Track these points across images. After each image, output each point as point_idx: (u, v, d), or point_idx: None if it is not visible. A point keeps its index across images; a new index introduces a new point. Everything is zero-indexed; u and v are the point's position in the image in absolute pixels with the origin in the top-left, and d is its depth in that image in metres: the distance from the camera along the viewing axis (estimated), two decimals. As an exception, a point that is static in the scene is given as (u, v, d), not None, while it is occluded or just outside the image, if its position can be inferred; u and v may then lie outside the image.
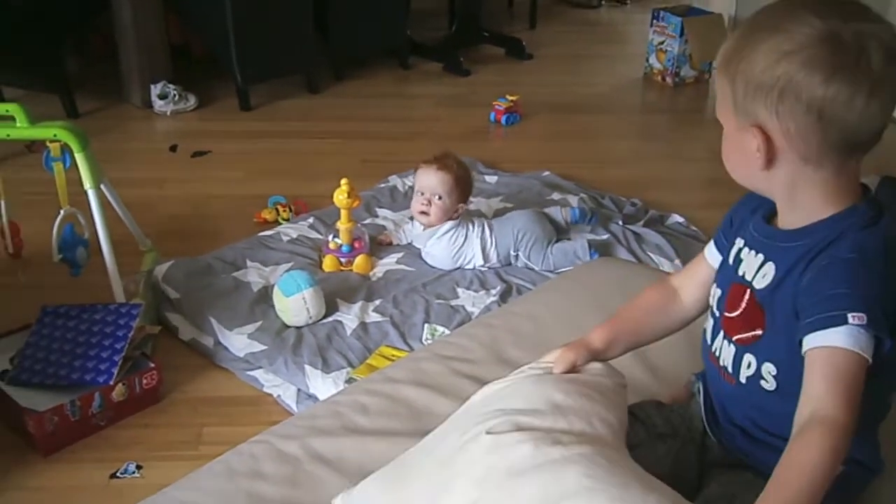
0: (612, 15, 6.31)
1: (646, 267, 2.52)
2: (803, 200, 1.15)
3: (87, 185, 2.33)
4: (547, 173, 3.41)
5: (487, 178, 3.37)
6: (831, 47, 1.05)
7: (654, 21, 4.79)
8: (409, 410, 1.50)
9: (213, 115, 4.12)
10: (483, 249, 2.70)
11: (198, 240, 2.91)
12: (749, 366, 1.20)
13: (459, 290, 2.58)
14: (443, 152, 2.77)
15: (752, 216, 1.26)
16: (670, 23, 4.70)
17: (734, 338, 1.22)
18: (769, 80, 1.08)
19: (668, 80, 4.77)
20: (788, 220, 1.18)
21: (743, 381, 1.21)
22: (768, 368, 1.17)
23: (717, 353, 1.27)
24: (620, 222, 2.96)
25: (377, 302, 2.51)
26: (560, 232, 2.80)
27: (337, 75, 4.61)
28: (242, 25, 3.98)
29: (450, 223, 2.70)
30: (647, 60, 4.90)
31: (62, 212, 2.34)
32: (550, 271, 2.65)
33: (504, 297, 2.55)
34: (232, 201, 3.25)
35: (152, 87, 4.04)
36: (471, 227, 2.72)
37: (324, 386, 2.16)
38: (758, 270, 1.20)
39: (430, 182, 2.69)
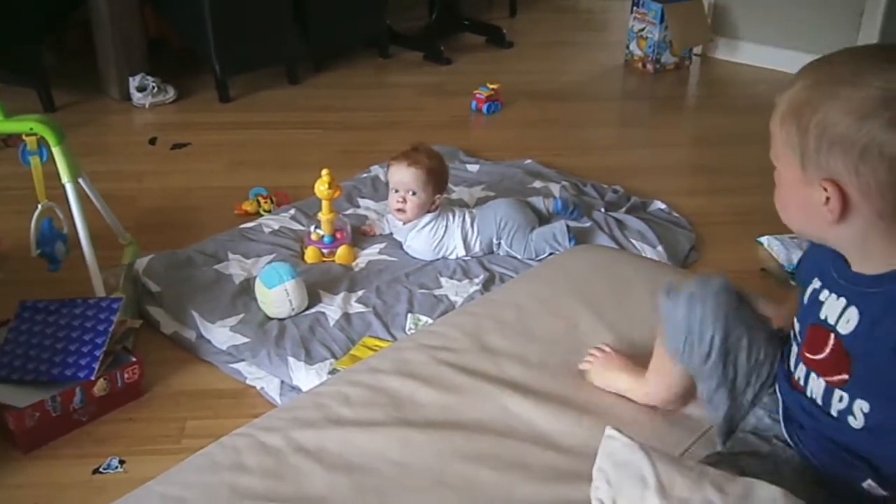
0: (592, 2, 6.31)
1: (627, 253, 2.53)
2: (875, 250, 1.13)
3: (65, 178, 2.31)
4: (529, 161, 3.40)
5: (469, 166, 3.36)
6: None
7: (635, 8, 4.79)
8: (393, 400, 1.49)
9: (192, 107, 4.10)
10: (464, 240, 2.69)
11: (178, 232, 2.89)
12: (841, 400, 1.18)
13: (442, 280, 2.58)
14: (413, 145, 2.74)
15: (829, 258, 1.21)
16: (651, 9, 4.70)
17: (824, 377, 1.21)
18: (852, 136, 1.06)
19: (649, 66, 4.77)
20: (862, 266, 1.16)
21: (835, 414, 1.20)
22: (860, 405, 1.15)
23: (801, 383, 1.25)
24: (603, 209, 2.96)
25: (360, 292, 2.50)
26: (542, 220, 2.79)
27: (316, 66, 4.59)
28: (220, 17, 3.96)
29: (429, 216, 2.69)
30: (628, 47, 4.90)
31: (40, 206, 2.32)
32: (532, 259, 2.65)
33: (487, 285, 2.54)
34: (212, 193, 3.23)
35: (130, 79, 4.02)
36: (451, 217, 2.72)
37: (307, 378, 2.15)
38: (841, 315, 1.17)
39: (402, 178, 2.66)
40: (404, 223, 2.73)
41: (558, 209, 2.84)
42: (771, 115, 1.16)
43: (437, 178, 2.68)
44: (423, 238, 2.69)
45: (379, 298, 2.47)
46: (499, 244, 2.71)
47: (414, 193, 2.66)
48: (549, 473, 1.33)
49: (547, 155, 3.49)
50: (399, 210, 2.70)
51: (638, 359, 1.53)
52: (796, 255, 2.82)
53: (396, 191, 2.69)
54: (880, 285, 1.13)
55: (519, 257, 2.67)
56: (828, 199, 1.10)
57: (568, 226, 2.67)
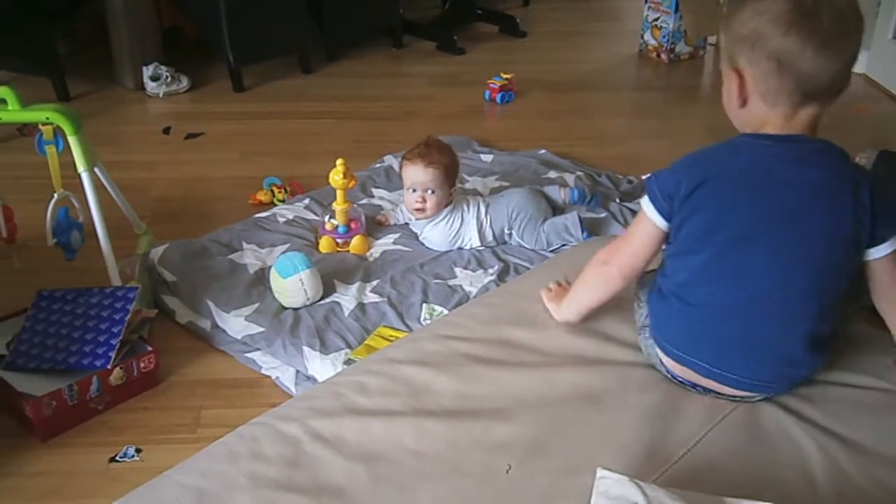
0: (606, -9, 6.29)
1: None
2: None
3: (81, 167, 2.32)
4: (543, 151, 3.39)
5: (483, 156, 3.35)
6: (793, 6, 1.32)
7: (649, -3, 4.77)
8: (410, 390, 1.49)
9: (206, 96, 4.10)
10: (480, 230, 2.69)
11: (193, 222, 2.89)
12: None
13: (457, 270, 2.57)
14: (424, 141, 2.72)
15: None
16: (665, -1, 4.68)
17: None
18: (748, 33, 1.36)
19: (664, 56, 4.75)
20: None
21: None
22: None
23: None
24: (618, 200, 2.95)
25: (374, 282, 2.50)
26: (556, 211, 2.78)
27: (330, 55, 4.58)
28: (234, 6, 3.96)
29: (445, 210, 2.69)
30: (642, 37, 4.88)
31: (56, 195, 2.32)
32: (544, 250, 2.64)
33: (502, 276, 2.54)
34: (226, 183, 3.23)
35: (144, 69, 4.02)
36: (466, 208, 2.71)
37: (322, 367, 2.15)
38: None
39: (419, 178, 2.65)
40: (433, 212, 2.72)
41: (575, 200, 2.83)
42: None
43: (451, 174, 2.68)
44: (439, 231, 2.69)
45: (394, 288, 2.47)
46: (510, 234, 2.70)
47: (433, 192, 2.65)
48: (566, 463, 1.33)
49: (561, 145, 3.48)
50: (418, 210, 2.68)
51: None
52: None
53: (414, 190, 2.67)
54: None
55: (529, 247, 2.67)
56: (736, 86, 1.40)
57: (580, 217, 2.66)
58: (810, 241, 1.38)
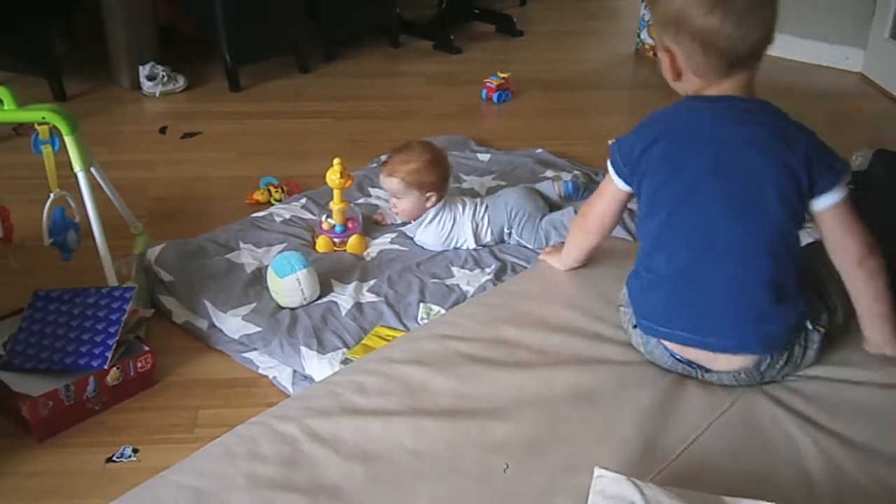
0: (602, -9, 6.29)
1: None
2: None
3: (77, 167, 2.31)
4: (540, 150, 3.39)
5: (480, 155, 3.35)
6: None
7: (646, -4, 4.77)
8: (407, 389, 1.49)
9: (202, 96, 4.10)
10: (475, 231, 2.68)
11: (189, 222, 2.89)
12: None
13: (454, 269, 2.57)
14: (397, 147, 2.74)
15: None
16: (662, -2, 4.67)
17: None
18: (673, 15, 1.46)
19: (660, 55, 4.75)
20: None
21: None
22: None
23: None
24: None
25: (372, 282, 2.50)
26: (553, 208, 2.78)
27: (327, 55, 4.58)
28: (231, 5, 3.95)
29: (433, 210, 2.69)
30: (639, 36, 4.88)
31: (52, 195, 2.32)
32: (543, 247, 2.64)
33: (499, 275, 2.54)
34: (223, 182, 3.23)
35: (141, 68, 4.01)
36: (460, 208, 2.71)
37: (319, 367, 2.15)
38: None
39: (385, 185, 2.73)
40: (406, 221, 2.76)
41: (569, 191, 2.84)
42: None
43: (420, 182, 2.66)
44: (431, 232, 2.68)
45: (391, 288, 2.47)
46: (510, 234, 2.70)
47: (399, 198, 2.70)
48: (563, 462, 1.33)
49: (558, 144, 3.48)
50: (395, 213, 2.76)
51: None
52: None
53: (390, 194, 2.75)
54: None
55: (529, 247, 2.67)
56: (669, 64, 1.52)
57: (576, 212, 2.66)
58: (755, 193, 1.46)
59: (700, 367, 1.54)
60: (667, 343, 1.56)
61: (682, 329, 1.53)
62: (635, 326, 1.61)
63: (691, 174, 1.49)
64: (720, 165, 1.47)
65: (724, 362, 1.52)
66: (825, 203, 1.48)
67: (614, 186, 1.63)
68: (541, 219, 2.68)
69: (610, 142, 1.66)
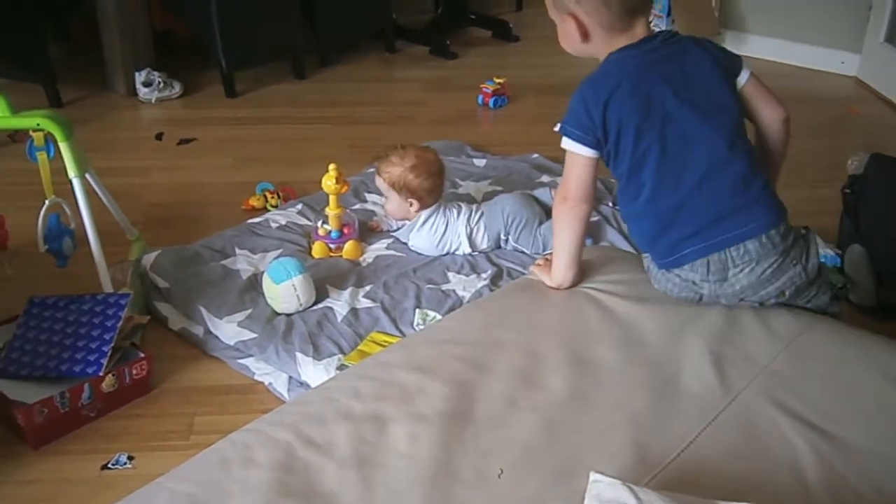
0: (598, -4, 6.29)
1: (635, 255, 2.52)
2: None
3: (72, 174, 2.31)
4: (536, 156, 3.39)
5: (476, 161, 3.35)
6: None
7: (641, 1, 4.78)
8: (402, 394, 1.49)
9: (198, 102, 4.09)
10: (469, 237, 2.68)
11: (185, 228, 2.89)
12: None
13: (450, 275, 2.57)
14: (393, 146, 2.75)
15: None
16: (657, 2, 4.69)
17: None
18: None
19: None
20: None
21: None
22: None
23: None
24: (610, 204, 2.95)
25: (367, 288, 2.50)
26: (549, 214, 2.78)
27: (323, 60, 4.58)
28: (227, 11, 3.95)
29: (425, 213, 2.69)
30: (635, 41, 4.88)
31: (47, 202, 2.32)
32: (540, 253, 2.64)
33: (495, 280, 2.54)
34: (219, 189, 3.22)
35: (136, 74, 4.01)
36: (454, 212, 2.71)
37: (315, 373, 2.15)
38: None
39: (376, 182, 2.78)
40: (399, 226, 2.79)
41: None
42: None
43: (401, 186, 2.67)
44: (424, 236, 2.68)
45: (387, 294, 2.46)
46: (506, 240, 2.70)
47: (385, 197, 2.75)
48: (558, 467, 1.32)
49: (554, 149, 3.43)
50: (386, 210, 2.81)
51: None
52: (805, 249, 2.81)
53: None
54: None
55: (527, 252, 2.67)
56: (576, 29, 1.70)
57: None
58: (711, 95, 1.72)
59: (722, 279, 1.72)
60: (690, 275, 1.73)
61: (703, 241, 1.71)
62: (668, 268, 1.77)
63: (661, 106, 1.69)
64: (677, 89, 1.70)
65: (741, 260, 1.70)
66: (744, 78, 1.78)
67: (584, 157, 1.75)
68: (538, 224, 2.68)
69: (556, 127, 1.77)
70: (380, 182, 2.73)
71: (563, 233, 1.82)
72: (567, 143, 1.75)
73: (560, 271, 1.83)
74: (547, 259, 1.93)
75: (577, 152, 1.74)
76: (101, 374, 2.07)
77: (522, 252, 2.68)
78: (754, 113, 1.82)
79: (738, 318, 1.72)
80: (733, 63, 1.78)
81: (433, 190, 2.71)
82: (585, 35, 1.71)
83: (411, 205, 2.68)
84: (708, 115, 1.71)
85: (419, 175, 2.66)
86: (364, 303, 2.43)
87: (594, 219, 2.83)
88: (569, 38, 1.74)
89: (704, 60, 1.74)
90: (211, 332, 2.36)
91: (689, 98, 1.70)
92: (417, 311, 2.39)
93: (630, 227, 1.91)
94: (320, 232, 2.70)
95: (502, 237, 2.70)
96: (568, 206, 1.80)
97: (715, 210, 1.71)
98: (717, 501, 1.15)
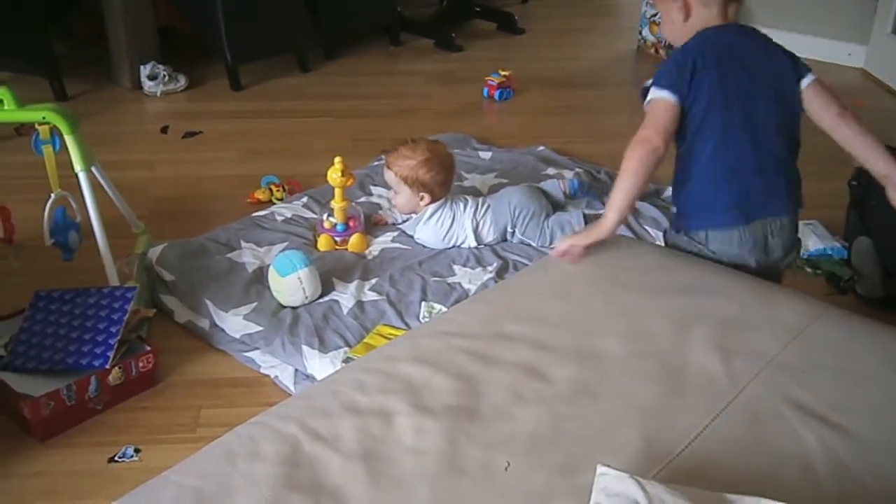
0: (603, -12, 6.28)
1: (641, 242, 2.51)
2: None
3: (78, 167, 2.31)
4: (541, 148, 3.39)
5: (482, 153, 3.35)
6: None
7: (647, -7, 4.77)
8: (408, 387, 1.48)
9: (203, 95, 4.09)
10: (475, 230, 2.68)
11: (191, 221, 2.89)
12: None
13: (456, 268, 2.57)
14: (403, 140, 2.75)
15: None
16: (663, -6, 4.67)
17: None
18: None
19: (662, 52, 4.75)
20: None
21: None
22: None
23: None
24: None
25: (373, 281, 2.49)
26: (556, 206, 2.78)
27: (327, 53, 4.58)
28: (231, 4, 3.95)
29: (432, 207, 2.69)
30: (640, 33, 4.87)
31: (53, 195, 2.32)
32: (546, 246, 2.64)
33: (501, 273, 2.53)
34: (224, 182, 3.23)
35: (141, 68, 4.01)
36: (461, 206, 2.70)
37: (321, 366, 2.15)
38: None
39: (385, 176, 2.77)
40: (405, 218, 2.78)
41: (574, 189, 2.84)
42: None
43: (412, 180, 2.67)
44: (430, 229, 2.68)
45: (392, 286, 2.46)
46: (513, 232, 2.70)
47: (394, 192, 2.74)
48: (565, 460, 1.32)
49: (559, 142, 3.47)
50: (393, 204, 2.80)
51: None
52: (811, 242, 2.80)
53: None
54: None
55: (533, 244, 2.66)
56: (681, 8, 1.94)
57: (585, 214, 2.66)
58: (778, 86, 1.94)
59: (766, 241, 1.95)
60: (738, 236, 1.93)
61: (755, 211, 1.93)
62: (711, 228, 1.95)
63: (737, 82, 1.91)
64: (753, 72, 1.92)
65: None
66: (807, 82, 1.95)
67: (668, 102, 1.89)
68: (545, 217, 2.68)
69: (647, 82, 1.95)
70: (390, 176, 2.72)
71: (631, 172, 1.88)
72: (655, 93, 1.91)
73: (616, 215, 1.90)
74: (574, 234, 2.16)
75: (664, 97, 1.89)
76: (107, 366, 2.07)
77: (528, 245, 2.68)
78: (816, 114, 1.96)
79: (746, 308, 1.71)
80: (800, 66, 1.97)
81: (444, 183, 2.71)
82: (688, 14, 1.95)
83: (422, 198, 2.68)
84: (772, 101, 1.93)
85: (431, 169, 2.66)
86: (370, 296, 2.43)
87: (600, 211, 2.82)
88: (672, 21, 1.98)
89: (778, 55, 1.96)
90: (217, 325, 2.36)
91: (762, 83, 1.93)
92: (423, 303, 2.39)
93: (681, 190, 2.02)
94: (326, 225, 2.70)
95: (509, 230, 2.70)
96: (646, 146, 1.87)
97: (761, 185, 1.93)
98: (724, 494, 1.14)
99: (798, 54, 1.99)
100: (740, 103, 1.92)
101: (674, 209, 2.07)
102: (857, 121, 1.95)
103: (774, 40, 1.99)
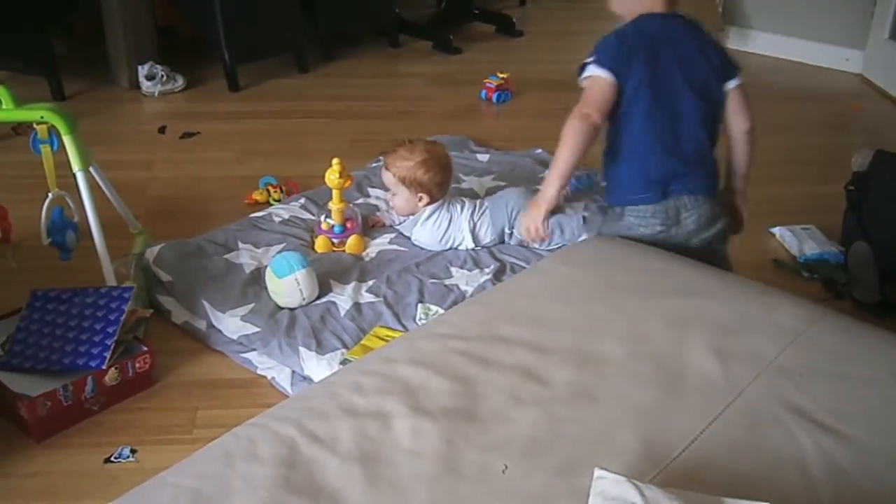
0: (602, -9, 6.28)
1: (639, 245, 2.51)
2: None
3: (76, 167, 2.31)
4: (539, 151, 3.39)
5: (479, 156, 3.35)
6: None
7: (645, -4, 4.78)
8: (406, 389, 1.48)
9: (201, 95, 4.09)
10: (473, 231, 2.68)
11: (188, 222, 2.89)
12: None
13: (453, 270, 2.57)
14: (400, 142, 2.75)
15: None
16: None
17: None
18: None
19: (660, 55, 4.75)
20: None
21: None
22: None
23: None
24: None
25: (370, 282, 2.49)
26: (554, 208, 2.77)
27: (326, 55, 4.58)
28: (229, 4, 3.95)
29: (429, 209, 2.69)
30: (638, 36, 4.87)
31: (51, 195, 2.31)
32: (545, 248, 2.64)
33: (498, 275, 2.53)
34: (222, 182, 3.22)
35: (139, 68, 4.01)
36: (457, 208, 2.70)
37: (318, 367, 2.15)
38: None
39: (383, 178, 2.77)
40: (402, 219, 2.77)
41: (572, 191, 2.84)
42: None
43: (411, 181, 2.67)
44: (427, 231, 2.68)
45: (390, 288, 2.46)
46: (510, 234, 2.70)
47: (392, 193, 2.73)
48: (562, 462, 1.32)
49: (557, 144, 3.47)
50: (391, 206, 2.78)
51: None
52: (808, 247, 2.81)
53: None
54: None
55: (536, 245, 2.66)
56: None
57: (584, 218, 2.66)
58: (705, 81, 2.09)
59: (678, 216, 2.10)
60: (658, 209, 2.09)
61: (675, 187, 2.08)
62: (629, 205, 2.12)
63: (667, 70, 2.06)
64: (683, 63, 2.08)
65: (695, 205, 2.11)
66: (733, 84, 2.14)
67: (606, 81, 2.07)
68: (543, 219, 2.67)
69: (587, 60, 2.13)
70: (388, 177, 2.71)
71: (571, 143, 2.10)
72: (592, 70, 2.09)
73: (555, 185, 2.18)
74: (533, 202, 2.30)
75: (603, 76, 2.07)
76: (104, 367, 2.07)
77: (525, 247, 2.68)
78: (729, 118, 2.18)
79: (744, 312, 1.72)
80: (731, 67, 2.14)
81: (442, 184, 2.71)
82: None
83: (420, 199, 2.68)
84: (697, 93, 2.08)
85: (430, 170, 2.66)
86: (367, 297, 2.43)
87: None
88: None
89: (711, 52, 2.12)
90: (214, 326, 2.36)
91: (690, 74, 2.08)
92: (420, 305, 2.39)
93: (609, 166, 2.19)
94: (323, 226, 2.70)
95: (506, 231, 2.70)
96: (582, 120, 2.08)
97: (681, 167, 2.08)
98: (722, 498, 1.15)
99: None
100: (668, 90, 2.07)
101: (603, 183, 2.27)
102: (755, 145, 2.24)
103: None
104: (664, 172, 2.09)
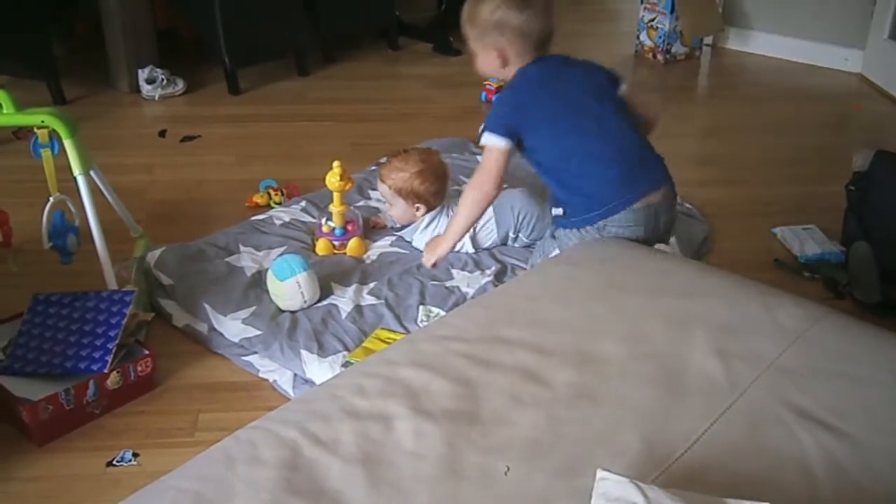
0: (601, -8, 6.29)
1: (639, 246, 2.51)
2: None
3: (77, 171, 2.31)
4: (539, 152, 3.39)
5: (479, 157, 3.33)
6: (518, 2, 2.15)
7: (645, -3, 4.79)
8: (407, 391, 1.48)
9: (201, 99, 4.10)
10: (472, 236, 2.67)
11: (189, 225, 2.89)
12: None
13: (454, 272, 2.57)
14: (395, 153, 2.74)
15: None
16: (660, 0, 4.68)
17: None
18: (495, 20, 2.17)
19: (660, 57, 4.75)
20: None
21: None
22: None
23: None
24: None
25: (372, 285, 2.49)
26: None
27: (326, 57, 4.58)
28: (230, 8, 3.95)
29: (429, 215, 2.69)
30: (638, 38, 4.88)
31: (51, 199, 2.32)
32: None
33: (499, 277, 2.54)
34: (223, 186, 3.23)
35: (140, 71, 4.01)
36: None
37: (320, 370, 2.15)
38: None
39: (379, 189, 2.78)
40: (400, 223, 2.77)
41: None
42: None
43: (407, 191, 2.67)
44: (427, 237, 2.68)
45: (391, 290, 2.46)
46: (515, 237, 2.69)
47: (389, 204, 2.73)
48: (564, 464, 1.32)
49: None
50: (390, 215, 2.78)
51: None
52: (810, 247, 2.81)
53: None
54: None
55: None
56: (497, 57, 2.20)
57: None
58: (603, 91, 2.23)
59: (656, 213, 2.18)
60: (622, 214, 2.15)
61: (640, 186, 2.17)
62: (586, 227, 2.18)
63: (572, 99, 2.19)
64: (578, 82, 2.22)
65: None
66: (622, 89, 2.27)
67: (500, 150, 2.18)
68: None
69: (480, 128, 2.20)
70: (384, 189, 2.71)
71: (468, 213, 2.33)
72: (488, 138, 2.18)
73: (451, 243, 2.44)
74: (433, 240, 2.52)
75: (497, 145, 2.17)
76: (105, 371, 2.07)
77: (526, 247, 2.68)
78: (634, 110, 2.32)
79: (745, 312, 1.72)
80: (616, 76, 2.29)
81: (438, 193, 2.71)
82: (505, 63, 2.21)
83: (418, 209, 2.68)
84: (606, 100, 2.21)
85: (426, 180, 2.66)
86: (368, 300, 2.43)
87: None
88: (487, 64, 2.25)
89: (595, 70, 2.28)
90: (215, 329, 2.36)
91: (590, 91, 2.21)
92: (421, 307, 2.39)
93: (567, 198, 2.24)
94: (324, 229, 2.70)
95: (511, 235, 2.69)
96: (482, 193, 2.26)
97: (636, 167, 2.18)
98: (724, 499, 1.14)
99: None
100: (582, 111, 2.18)
101: (556, 212, 2.28)
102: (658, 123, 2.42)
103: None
104: (625, 175, 2.16)
